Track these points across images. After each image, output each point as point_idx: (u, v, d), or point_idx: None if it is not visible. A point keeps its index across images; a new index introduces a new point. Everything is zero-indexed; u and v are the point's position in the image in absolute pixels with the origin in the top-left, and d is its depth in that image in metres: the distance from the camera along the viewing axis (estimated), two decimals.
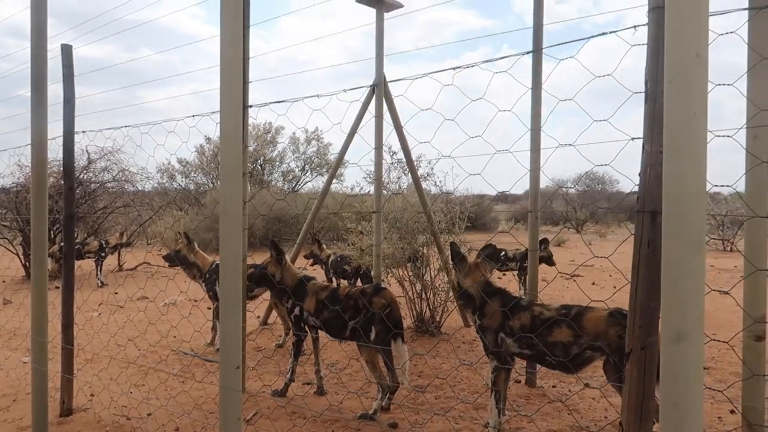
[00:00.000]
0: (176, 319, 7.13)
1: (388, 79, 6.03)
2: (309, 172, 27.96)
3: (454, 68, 2.48)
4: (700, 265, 1.40)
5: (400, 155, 6.69)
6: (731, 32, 1.76)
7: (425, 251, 6.95)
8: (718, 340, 2.32)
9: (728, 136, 1.78)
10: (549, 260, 8.74)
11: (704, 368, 5.32)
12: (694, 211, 1.39)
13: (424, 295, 6.75)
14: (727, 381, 4.93)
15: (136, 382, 5.04)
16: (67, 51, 4.10)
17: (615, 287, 10.54)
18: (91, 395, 4.67)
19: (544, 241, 8.48)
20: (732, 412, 4.11)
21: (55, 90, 4.16)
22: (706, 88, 1.33)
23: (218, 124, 2.41)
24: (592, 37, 2.11)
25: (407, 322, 6.53)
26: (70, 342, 4.29)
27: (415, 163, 6.74)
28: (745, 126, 2.06)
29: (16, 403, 4.59)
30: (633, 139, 1.90)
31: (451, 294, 6.38)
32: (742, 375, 2.37)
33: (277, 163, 27.46)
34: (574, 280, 10.97)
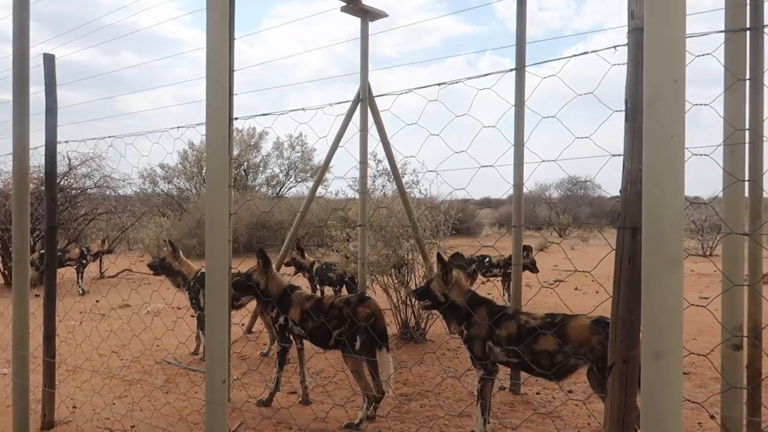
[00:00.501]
0: (160, 328, 7.07)
1: (372, 88, 6.05)
2: (293, 178, 27.90)
3: (439, 84, 2.52)
4: (678, 283, 1.44)
5: (386, 163, 6.71)
6: (708, 54, 1.81)
7: (410, 257, 6.98)
8: (696, 354, 2.37)
9: (706, 155, 1.83)
10: (532, 267, 8.83)
11: (685, 373, 5.40)
12: (672, 230, 1.43)
13: (409, 302, 6.77)
14: (707, 386, 5.01)
15: (120, 393, 4.99)
16: (49, 61, 4.06)
17: (597, 292, 10.67)
18: (74, 407, 4.61)
19: (527, 248, 8.56)
20: (712, 417, 4.19)
21: (36, 98, 4.12)
22: (683, 112, 1.37)
23: (203, 136, 2.42)
24: (574, 56, 2.16)
25: (392, 329, 6.55)
26: (51, 355, 4.24)
27: (401, 170, 6.77)
28: (722, 144, 2.11)
29: None
30: (613, 156, 1.94)
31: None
32: (722, 387, 2.42)
33: (261, 169, 27.36)
34: (553, 291, 11.07)
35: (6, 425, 4.19)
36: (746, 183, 2.34)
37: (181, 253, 6.49)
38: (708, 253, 17.70)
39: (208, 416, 2.49)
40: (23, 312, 3.72)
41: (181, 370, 5.77)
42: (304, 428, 4.14)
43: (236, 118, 3.65)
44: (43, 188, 12.56)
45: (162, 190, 26.05)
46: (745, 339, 2.67)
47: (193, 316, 6.94)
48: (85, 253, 11.86)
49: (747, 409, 3.81)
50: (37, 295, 8.85)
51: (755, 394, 3.85)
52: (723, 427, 2.45)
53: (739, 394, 2.42)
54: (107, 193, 15.12)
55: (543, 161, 2.21)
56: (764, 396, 4.26)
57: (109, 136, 3.84)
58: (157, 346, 6.52)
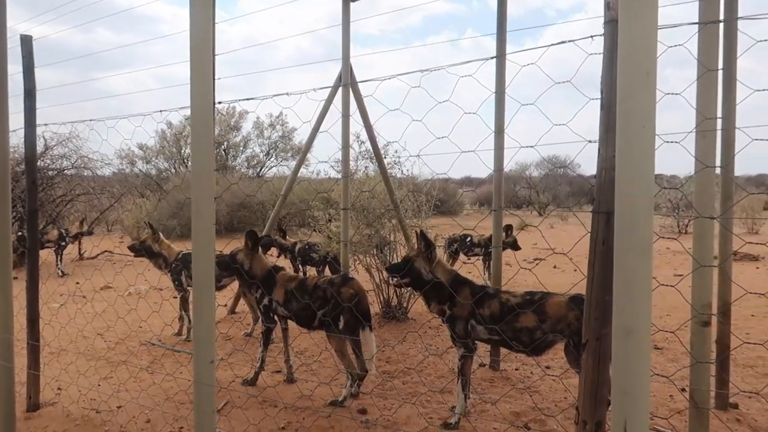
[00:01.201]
0: (142, 309, 7.08)
1: (354, 68, 6.02)
2: (274, 157, 27.71)
3: (422, 71, 2.56)
4: (647, 266, 1.53)
5: (369, 145, 6.73)
6: (679, 45, 1.87)
7: (392, 238, 7.06)
8: (666, 330, 2.49)
9: (676, 142, 1.91)
10: (514, 245, 8.95)
11: (657, 348, 5.60)
12: (643, 215, 1.52)
13: (391, 282, 6.86)
14: (679, 360, 5.20)
15: (105, 375, 5.02)
16: (26, 42, 4.00)
17: (575, 270, 10.89)
18: (59, 389, 4.64)
19: (509, 227, 8.68)
20: (682, 390, 4.37)
21: (11, 80, 4.06)
22: (654, 104, 1.44)
23: (185, 118, 2.44)
24: (552, 45, 2.21)
25: (375, 308, 6.65)
26: (35, 338, 4.25)
27: (382, 151, 6.81)
28: (693, 131, 2.20)
29: None
30: (590, 142, 2.01)
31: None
32: (691, 361, 2.54)
33: (241, 148, 27.12)
34: (531, 271, 11.27)
35: None
36: (717, 169, 2.44)
37: (161, 235, 6.48)
38: (683, 231, 18.11)
39: (197, 396, 2.55)
40: (7, 295, 3.71)
41: (166, 351, 5.81)
42: (289, 406, 4.22)
43: (220, 103, 3.64)
44: (18, 169, 12.37)
45: (140, 171, 25.74)
46: (714, 316, 2.80)
47: (175, 297, 6.95)
48: (64, 234, 11.73)
49: (715, 382, 3.99)
50: (15, 278, 8.77)
51: (722, 369, 4.04)
52: (691, 399, 2.58)
53: (706, 369, 2.56)
54: (85, 173, 14.93)
55: (522, 147, 2.29)
56: (732, 370, 4.46)
57: (91, 120, 3.81)
58: (140, 327, 6.54)
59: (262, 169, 27.35)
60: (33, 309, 4.28)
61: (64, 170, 14.19)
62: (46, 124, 4.15)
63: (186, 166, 25.37)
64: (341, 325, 4.28)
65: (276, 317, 4.72)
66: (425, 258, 3.93)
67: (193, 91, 2.35)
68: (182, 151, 25.60)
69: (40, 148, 12.87)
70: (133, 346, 5.98)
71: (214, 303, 2.59)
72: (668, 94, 1.89)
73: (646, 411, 1.57)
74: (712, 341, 3.23)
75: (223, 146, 25.83)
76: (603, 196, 1.91)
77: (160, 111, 3.50)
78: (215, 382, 2.59)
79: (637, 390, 1.56)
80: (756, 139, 1.81)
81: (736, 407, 4.09)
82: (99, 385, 4.66)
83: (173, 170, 25.58)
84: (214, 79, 4.06)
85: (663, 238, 2.02)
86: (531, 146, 2.24)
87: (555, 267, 11.57)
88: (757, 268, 11.05)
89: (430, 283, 3.87)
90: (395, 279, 4.07)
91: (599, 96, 1.91)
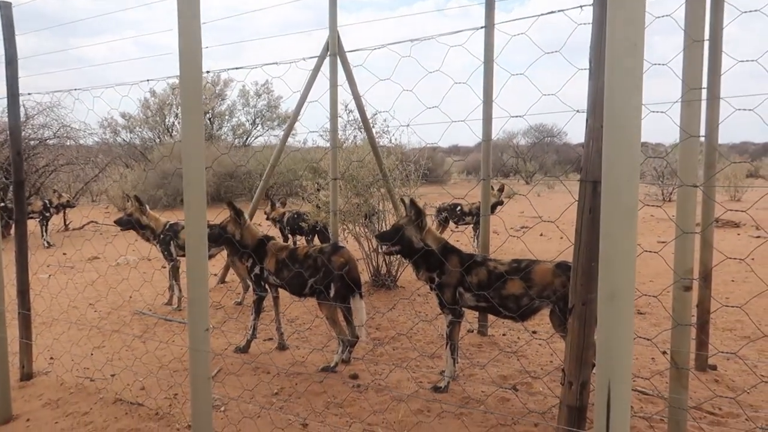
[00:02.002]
0: (131, 279, 7.10)
1: (345, 43, 5.92)
2: (260, 126, 27.41)
3: (411, 40, 2.56)
4: (632, 232, 1.58)
5: (357, 114, 6.69)
6: (667, 15, 1.90)
7: (381, 206, 7.10)
8: (648, 295, 2.57)
9: (662, 112, 1.95)
10: (501, 203, 9.33)
11: (641, 313, 5.75)
12: (629, 183, 1.56)
13: (380, 251, 6.92)
14: (661, 324, 5.36)
15: (98, 344, 5.07)
16: (6, 8, 3.91)
17: (561, 238, 11.04)
18: (51, 359, 4.68)
19: (501, 188, 9.07)
20: (664, 353, 4.51)
21: None
22: (641, 75, 1.47)
23: (169, 86, 2.42)
24: (542, 15, 2.22)
25: (364, 276, 6.73)
26: (26, 307, 4.26)
27: (371, 121, 6.78)
28: (679, 100, 2.23)
29: None
30: (578, 112, 2.04)
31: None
32: (672, 324, 2.63)
33: (227, 117, 26.77)
34: (520, 238, 11.41)
35: None
36: (702, 138, 2.48)
37: (147, 207, 6.47)
38: (668, 199, 18.36)
39: (192, 362, 2.60)
40: None
41: (158, 320, 5.86)
42: (283, 371, 4.31)
43: (208, 72, 3.59)
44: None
45: (123, 140, 25.37)
46: (695, 281, 2.89)
47: (164, 267, 6.97)
48: (48, 205, 11.63)
49: (695, 345, 4.13)
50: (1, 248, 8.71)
51: (702, 332, 4.18)
52: (672, 360, 2.68)
53: (687, 331, 2.65)
54: (68, 143, 14.71)
55: (512, 117, 2.31)
56: (711, 333, 4.61)
57: (76, 89, 3.76)
58: (131, 297, 6.57)
59: (249, 138, 27.07)
60: (22, 280, 4.28)
61: (46, 140, 13.96)
62: (29, 93, 4.09)
63: (170, 135, 25.05)
64: (332, 292, 4.34)
65: (267, 286, 4.77)
66: (416, 226, 3.96)
67: (182, 60, 2.33)
68: (166, 120, 25.23)
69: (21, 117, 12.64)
70: (125, 316, 6.02)
71: (207, 270, 2.62)
72: (655, 64, 1.92)
73: (629, 371, 1.65)
74: (693, 306, 3.34)
75: (208, 115, 25.47)
76: (590, 166, 1.95)
77: (147, 80, 3.47)
78: (210, 348, 2.64)
79: (620, 351, 1.62)
80: (739, 109, 1.85)
81: (714, 369, 4.24)
82: (92, 354, 4.71)
83: (158, 140, 25.24)
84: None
85: (647, 205, 2.07)
86: (520, 116, 2.27)
87: (541, 235, 11.72)
88: (738, 234, 11.27)
89: (420, 251, 3.91)
90: (385, 247, 4.10)
91: (588, 66, 1.94)
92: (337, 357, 4.42)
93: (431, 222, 9.74)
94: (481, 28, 4.08)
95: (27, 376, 4.32)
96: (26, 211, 4.36)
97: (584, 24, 1.98)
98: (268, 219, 9.31)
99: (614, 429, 1.65)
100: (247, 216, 4.80)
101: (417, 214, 3.95)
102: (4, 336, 3.80)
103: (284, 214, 9.10)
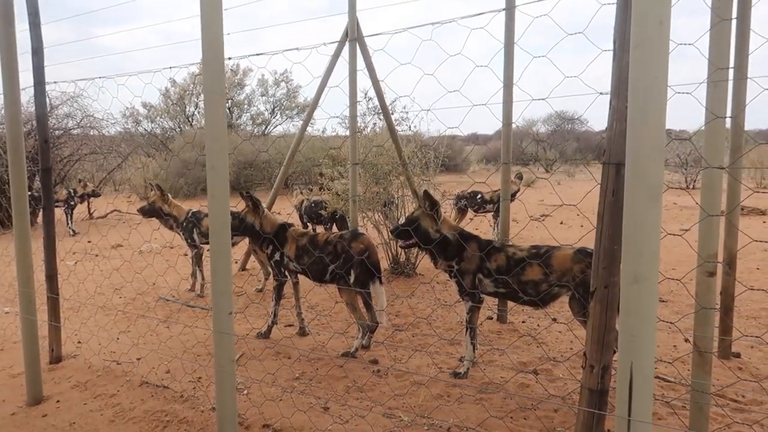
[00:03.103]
0: (155, 266, 7.22)
1: (362, 28, 5.89)
2: (279, 115, 27.50)
3: (432, 23, 2.55)
4: (656, 214, 1.56)
5: (376, 101, 6.68)
6: None
7: (400, 194, 7.10)
8: (672, 279, 2.55)
9: (688, 93, 1.92)
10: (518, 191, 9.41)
11: (663, 301, 5.69)
12: (653, 164, 1.54)
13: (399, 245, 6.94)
14: (683, 312, 5.30)
15: (124, 329, 5.17)
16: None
17: (582, 226, 10.94)
18: (79, 343, 4.79)
19: (520, 176, 9.03)
20: (686, 340, 4.47)
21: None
22: (667, 54, 1.45)
23: (192, 74, 2.44)
24: None
25: (383, 264, 6.75)
26: (54, 291, 4.36)
27: (390, 108, 6.77)
28: (705, 81, 2.20)
29: (3, 352, 4.69)
30: (601, 94, 2.02)
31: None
32: (695, 308, 2.61)
33: (246, 106, 26.90)
34: (541, 224, 11.33)
35: (15, 360, 4.37)
36: (728, 119, 2.44)
37: (169, 195, 6.56)
38: (692, 186, 18.06)
39: (217, 345, 2.65)
40: (26, 250, 3.81)
41: (181, 306, 5.96)
42: (304, 355, 4.36)
43: (229, 59, 3.62)
44: (24, 129, 12.36)
45: (145, 130, 25.66)
46: (720, 266, 2.85)
47: (186, 255, 7.07)
48: (72, 194, 11.86)
49: (719, 331, 4.08)
50: None
51: (726, 317, 4.12)
52: (695, 345, 2.65)
53: (711, 316, 2.62)
54: (91, 133, 14.92)
55: (533, 100, 2.29)
56: (735, 321, 4.54)
57: (100, 77, 3.82)
58: (155, 284, 6.69)
59: (267, 127, 27.18)
60: (50, 265, 4.38)
61: (70, 130, 14.18)
62: (55, 82, 4.16)
63: (191, 125, 25.25)
64: (352, 278, 4.37)
65: (287, 272, 4.82)
66: (430, 217, 3.96)
67: (204, 46, 2.35)
68: (186, 109, 25.44)
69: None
70: (149, 302, 6.13)
71: (230, 256, 2.66)
72: (681, 44, 1.89)
73: (652, 354, 1.64)
74: (717, 292, 3.29)
75: (227, 104, 25.61)
76: (614, 148, 1.93)
77: (170, 67, 3.50)
78: (234, 332, 2.69)
79: (643, 333, 1.62)
80: (767, 89, 1.82)
81: (738, 356, 4.19)
82: (118, 339, 4.81)
83: (178, 129, 25.48)
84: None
85: (671, 188, 2.04)
86: (542, 99, 2.25)
87: (562, 223, 11.62)
88: (765, 222, 11.06)
89: (437, 241, 3.92)
90: (402, 241, 4.12)
91: (611, 47, 1.91)
92: (357, 342, 4.46)
93: (450, 210, 9.73)
94: (503, 10, 4.04)
95: (56, 359, 4.43)
96: (53, 198, 4.44)
97: (608, 4, 1.95)
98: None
99: (636, 411, 1.65)
100: (264, 205, 4.84)
101: (431, 205, 3.95)
102: (34, 319, 3.90)
103: (302, 202, 9.13)
